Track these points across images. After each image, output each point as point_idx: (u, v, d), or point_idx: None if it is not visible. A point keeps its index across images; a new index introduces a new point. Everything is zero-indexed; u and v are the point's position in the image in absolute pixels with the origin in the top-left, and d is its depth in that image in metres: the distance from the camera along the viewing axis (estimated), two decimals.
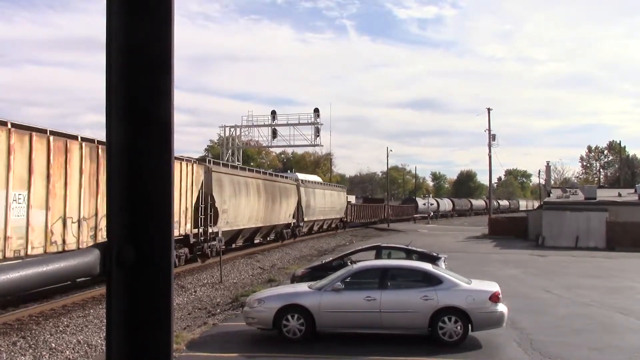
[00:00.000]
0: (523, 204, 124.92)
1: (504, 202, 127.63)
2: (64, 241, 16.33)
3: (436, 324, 11.93)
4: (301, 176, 71.41)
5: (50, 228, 15.76)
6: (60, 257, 1.07)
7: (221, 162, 34.97)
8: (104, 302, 1.16)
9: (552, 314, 15.34)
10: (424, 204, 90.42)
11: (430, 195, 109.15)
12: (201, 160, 28.50)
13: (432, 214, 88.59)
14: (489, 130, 61.41)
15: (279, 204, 38.76)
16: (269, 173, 43.13)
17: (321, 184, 56.76)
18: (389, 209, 75.98)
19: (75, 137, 17.48)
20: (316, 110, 55.53)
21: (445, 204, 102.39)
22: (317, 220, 49.89)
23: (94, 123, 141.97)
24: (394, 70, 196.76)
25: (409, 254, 17.93)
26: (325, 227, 54.32)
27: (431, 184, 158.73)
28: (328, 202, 53.19)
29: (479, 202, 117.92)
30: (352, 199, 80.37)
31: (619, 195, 47.14)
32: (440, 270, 13.55)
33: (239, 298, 17.87)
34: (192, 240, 25.20)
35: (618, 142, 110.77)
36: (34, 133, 15.33)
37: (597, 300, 17.60)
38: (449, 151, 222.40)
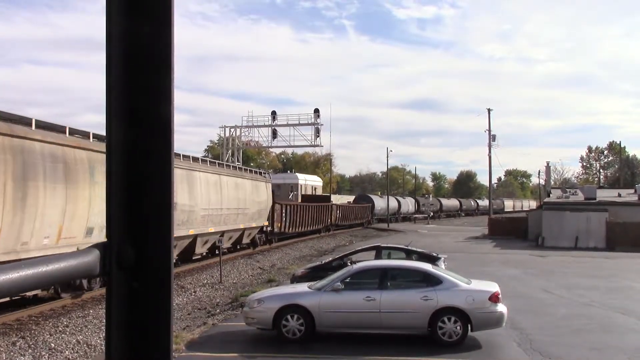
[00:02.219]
0: (509, 204, 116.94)
1: (484, 202, 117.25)
2: None
3: (436, 324, 11.94)
4: (301, 176, 71.47)
5: None
6: (60, 257, 1.07)
7: None
8: (104, 302, 1.16)
9: (552, 314, 15.34)
10: (382, 205, 74.19)
11: (430, 195, 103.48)
12: None
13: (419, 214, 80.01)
14: (489, 130, 61.50)
15: (53, 204, 15.63)
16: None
17: (219, 165, 31.71)
18: (338, 211, 57.67)
19: None
20: (316, 111, 55.55)
21: (408, 204, 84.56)
22: (204, 234, 26.32)
23: (93, 123, 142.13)
24: (393, 70, 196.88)
25: (409, 254, 17.95)
26: (228, 244, 30.37)
27: (431, 184, 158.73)
28: (232, 200, 30.05)
29: (451, 202, 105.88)
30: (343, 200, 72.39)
31: (619, 195, 47.15)
32: (439, 270, 13.56)
33: (238, 298, 17.87)
34: None
35: (618, 142, 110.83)
36: None
37: (597, 300, 17.61)
38: (448, 151, 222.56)
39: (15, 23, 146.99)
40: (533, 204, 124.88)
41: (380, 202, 74.40)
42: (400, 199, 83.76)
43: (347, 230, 59.83)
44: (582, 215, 39.72)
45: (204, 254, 28.40)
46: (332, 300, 12.30)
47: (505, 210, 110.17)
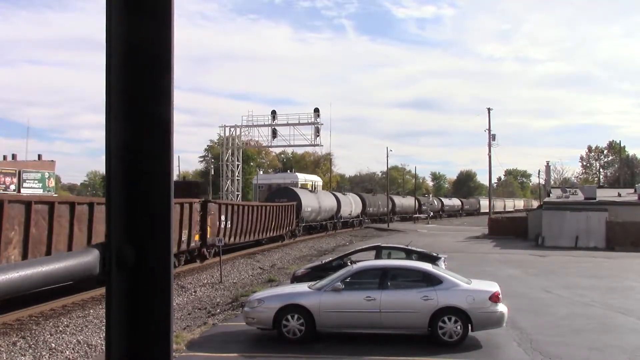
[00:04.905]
0: (486, 204, 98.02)
1: (451, 202, 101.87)
2: None
3: (436, 324, 11.93)
4: (301, 176, 71.45)
5: None
6: (59, 257, 1.07)
7: None
8: (104, 302, 1.16)
9: (552, 314, 15.34)
10: (313, 204, 49.27)
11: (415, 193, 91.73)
12: None
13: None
14: (489, 130, 61.44)
15: None
16: None
17: None
18: (223, 217, 28.87)
19: None
20: (316, 110, 55.60)
21: (352, 204, 59.67)
22: None
23: (92, 123, 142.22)
24: (393, 70, 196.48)
25: (409, 254, 17.95)
26: None
27: (431, 183, 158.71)
28: None
29: (407, 201, 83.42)
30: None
31: (619, 195, 47.15)
32: (440, 270, 13.56)
33: (238, 298, 17.88)
34: None
35: (618, 141, 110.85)
36: None
37: (597, 300, 17.60)
38: (448, 151, 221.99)
39: (13, 23, 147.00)
40: (520, 204, 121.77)
41: (310, 201, 48.60)
42: (340, 196, 58.30)
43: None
44: (582, 215, 39.72)
45: None
46: (332, 300, 12.30)
47: (482, 211, 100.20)
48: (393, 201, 74.79)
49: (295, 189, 51.29)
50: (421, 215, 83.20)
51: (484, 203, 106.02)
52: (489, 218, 56.80)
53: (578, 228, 39.44)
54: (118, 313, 1.09)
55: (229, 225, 29.82)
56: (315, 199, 50.76)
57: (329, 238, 48.50)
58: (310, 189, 56.09)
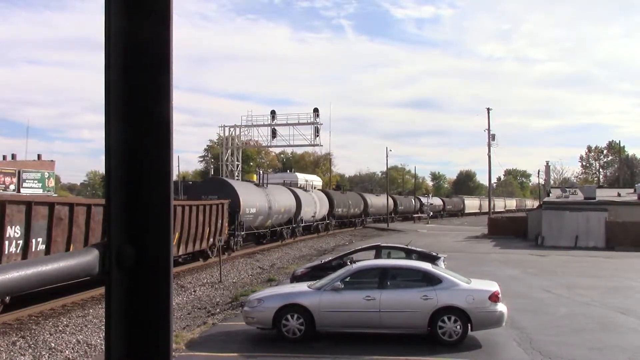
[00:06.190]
0: (472, 204, 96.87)
1: (432, 201, 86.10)
2: None
3: (436, 324, 11.94)
4: (301, 176, 71.45)
5: None
6: (59, 257, 1.07)
7: None
8: (104, 302, 1.16)
9: (552, 313, 15.35)
10: (260, 203, 35.45)
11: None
12: None
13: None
14: (489, 129, 61.43)
15: None
16: None
17: None
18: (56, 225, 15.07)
19: None
20: (315, 110, 55.59)
21: (316, 204, 47.83)
22: None
23: (92, 123, 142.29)
24: (392, 70, 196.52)
25: (409, 253, 17.95)
26: None
27: (431, 183, 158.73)
28: None
29: (382, 201, 67.96)
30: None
31: (619, 195, 47.16)
32: (439, 269, 13.57)
33: (238, 298, 17.88)
34: None
35: (617, 141, 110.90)
36: None
37: (596, 299, 17.61)
38: (448, 151, 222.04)
39: (14, 23, 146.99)
40: (512, 204, 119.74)
41: (253, 198, 34.48)
42: (300, 193, 45.15)
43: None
44: (581, 215, 39.72)
45: None
46: (332, 299, 12.30)
47: (466, 211, 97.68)
48: (366, 200, 62.84)
49: (230, 180, 36.72)
50: (397, 217, 74.33)
51: (469, 203, 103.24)
52: (488, 218, 56.77)
53: (578, 228, 39.45)
54: (118, 313, 1.09)
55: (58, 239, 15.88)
56: (264, 196, 36.42)
57: (329, 237, 48.26)
58: (258, 182, 40.06)
